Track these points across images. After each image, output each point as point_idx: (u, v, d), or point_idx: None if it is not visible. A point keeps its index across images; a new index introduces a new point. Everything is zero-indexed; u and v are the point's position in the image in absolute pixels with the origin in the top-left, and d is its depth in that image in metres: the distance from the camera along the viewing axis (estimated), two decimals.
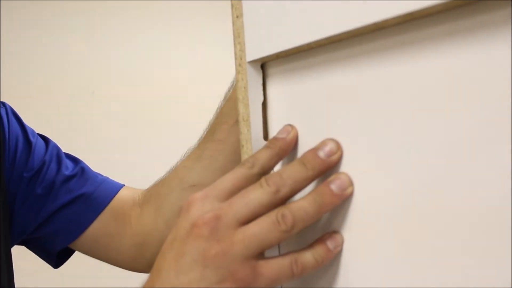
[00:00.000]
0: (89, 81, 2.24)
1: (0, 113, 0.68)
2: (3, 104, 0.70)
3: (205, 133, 0.62)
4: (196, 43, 2.41)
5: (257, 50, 0.37)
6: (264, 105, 0.39)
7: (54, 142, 0.72)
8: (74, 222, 0.68)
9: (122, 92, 2.30)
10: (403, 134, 0.29)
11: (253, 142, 0.38)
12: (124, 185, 0.72)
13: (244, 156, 0.39)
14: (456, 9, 0.25)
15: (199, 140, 0.64)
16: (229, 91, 0.58)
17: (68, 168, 0.69)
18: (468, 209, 0.26)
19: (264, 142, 0.39)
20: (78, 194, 0.68)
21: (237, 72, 0.39)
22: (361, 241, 0.33)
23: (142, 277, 0.40)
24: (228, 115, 0.58)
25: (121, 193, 0.70)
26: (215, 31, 2.39)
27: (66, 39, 2.22)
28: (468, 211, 0.26)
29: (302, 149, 0.37)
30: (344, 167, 0.34)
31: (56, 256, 0.71)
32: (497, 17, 0.23)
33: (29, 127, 0.71)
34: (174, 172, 0.66)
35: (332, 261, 0.35)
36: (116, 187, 0.70)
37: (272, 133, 0.39)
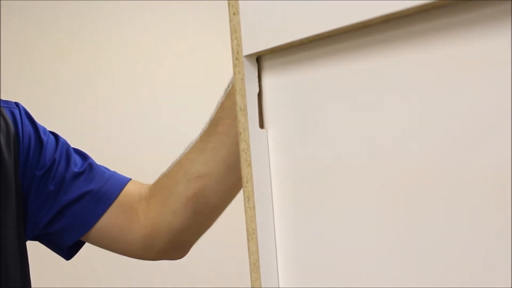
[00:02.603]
0: (88, 80, 2.26)
1: (14, 114, 0.71)
2: (17, 104, 0.73)
3: (207, 126, 0.66)
4: (196, 38, 2.43)
5: (252, 44, 0.40)
6: (260, 95, 0.42)
7: (63, 139, 0.74)
8: (83, 217, 0.70)
9: (123, 91, 2.32)
10: (395, 126, 0.31)
11: (250, 130, 0.41)
12: (130, 179, 0.74)
13: (242, 144, 0.42)
14: (453, 5, 0.27)
15: (201, 133, 0.67)
16: (229, 86, 0.61)
17: (77, 164, 0.72)
18: (467, 208, 0.27)
19: (259, 130, 0.42)
20: (86, 191, 0.70)
21: (234, 65, 0.42)
22: (359, 239, 0.35)
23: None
24: (229, 109, 0.61)
25: (128, 188, 0.73)
26: (212, 27, 2.41)
27: (66, 39, 2.24)
28: (467, 210, 0.27)
29: (295, 137, 0.40)
30: (336, 159, 0.36)
31: (67, 249, 0.74)
32: (498, 11, 0.25)
33: (41, 126, 0.74)
34: (178, 165, 0.69)
35: (332, 261, 0.37)
36: (123, 182, 0.73)
37: (267, 121, 0.42)
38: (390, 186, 0.32)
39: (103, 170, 0.74)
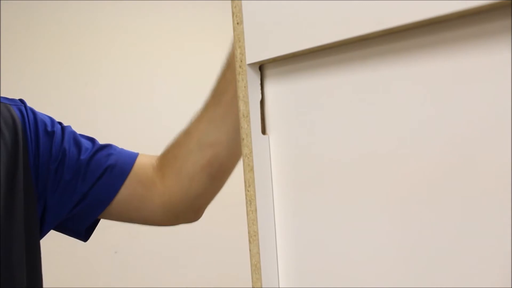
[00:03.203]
0: (88, 80, 2.27)
1: (22, 112, 0.72)
2: (22, 101, 0.74)
3: (210, 98, 0.69)
4: (195, 37, 2.44)
5: (255, 54, 0.42)
6: (262, 102, 0.43)
7: (69, 128, 0.76)
8: (103, 194, 0.73)
9: (122, 91, 2.33)
10: (396, 131, 0.32)
11: (253, 135, 0.42)
12: (139, 153, 0.77)
13: (245, 149, 0.43)
14: (454, 20, 0.28)
15: (205, 104, 0.70)
16: (229, 56, 0.64)
17: (87, 148, 0.74)
18: (467, 209, 0.29)
19: (262, 136, 0.43)
20: (102, 170, 0.73)
21: (238, 73, 0.43)
22: (359, 241, 0.36)
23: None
24: (231, 81, 0.64)
25: (141, 160, 0.76)
26: (213, 27, 2.42)
27: (67, 39, 2.25)
28: (467, 211, 0.29)
29: (296, 143, 0.41)
30: (337, 164, 0.38)
31: (85, 230, 0.76)
32: (499, 26, 0.26)
33: (47, 117, 0.75)
34: (188, 136, 0.72)
35: (332, 263, 0.38)
36: (134, 155, 0.76)
37: (269, 127, 0.43)
38: (392, 189, 0.33)
39: (113, 147, 0.76)
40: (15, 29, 2.16)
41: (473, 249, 0.28)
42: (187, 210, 0.75)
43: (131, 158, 0.75)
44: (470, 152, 0.28)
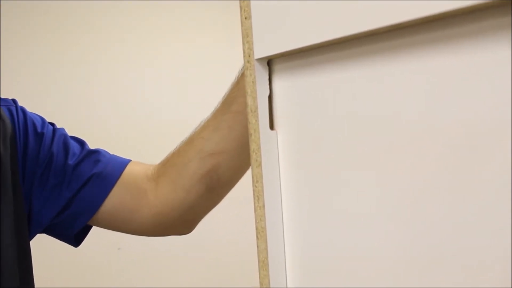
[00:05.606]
0: (88, 80, 2.27)
1: (12, 112, 0.70)
2: (14, 101, 0.72)
3: (220, 105, 0.66)
4: (198, 38, 2.44)
5: (264, 48, 0.41)
6: (270, 97, 0.43)
7: (61, 130, 0.74)
8: (89, 202, 0.70)
9: (124, 93, 2.32)
10: (404, 127, 0.32)
11: (261, 131, 0.42)
12: (130, 160, 0.74)
13: (252, 144, 0.43)
14: (456, 17, 0.28)
15: (214, 112, 0.67)
16: (243, 67, 0.63)
17: (75, 153, 0.72)
18: (467, 210, 0.29)
19: (270, 131, 0.43)
20: (88, 176, 0.70)
21: (246, 68, 0.43)
22: (368, 239, 0.36)
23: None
24: (244, 89, 0.63)
25: (131, 168, 0.72)
26: (220, 27, 2.42)
27: (67, 39, 2.25)
28: (467, 213, 0.29)
29: (304, 139, 0.41)
30: (345, 160, 0.37)
31: (74, 236, 0.73)
32: (498, 23, 0.26)
33: (39, 118, 0.73)
34: (190, 144, 0.69)
35: (341, 261, 0.38)
36: (123, 163, 0.73)
37: (277, 123, 0.43)
38: (404, 185, 0.33)
39: (102, 154, 0.74)
40: (15, 29, 2.16)
41: (473, 249, 0.28)
42: (179, 223, 0.72)
43: (120, 166, 0.72)
44: (470, 150, 0.28)
